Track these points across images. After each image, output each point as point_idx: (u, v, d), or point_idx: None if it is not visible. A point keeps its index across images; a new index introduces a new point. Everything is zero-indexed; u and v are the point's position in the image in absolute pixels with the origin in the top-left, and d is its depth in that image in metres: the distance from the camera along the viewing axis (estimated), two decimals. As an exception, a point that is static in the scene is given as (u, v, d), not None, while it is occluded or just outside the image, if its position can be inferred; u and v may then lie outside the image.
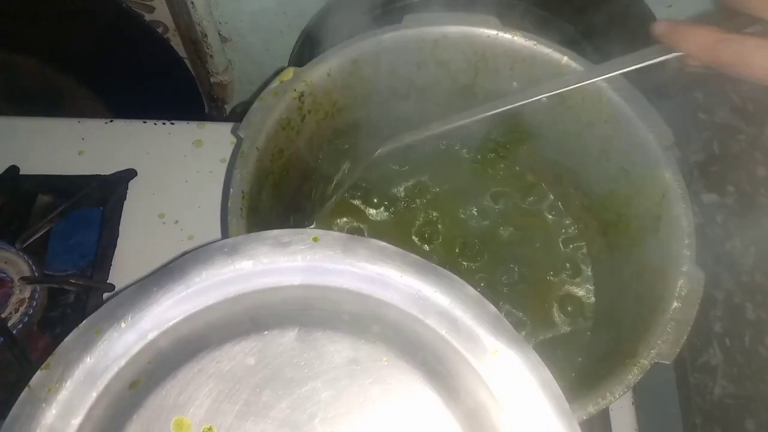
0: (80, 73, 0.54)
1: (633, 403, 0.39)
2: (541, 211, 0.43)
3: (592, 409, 0.27)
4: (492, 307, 0.22)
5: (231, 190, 0.32)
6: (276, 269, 0.24)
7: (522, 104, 0.33)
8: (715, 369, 0.45)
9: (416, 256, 0.24)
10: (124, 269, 0.42)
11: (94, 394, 0.22)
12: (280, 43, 0.59)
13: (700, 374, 0.46)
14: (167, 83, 0.59)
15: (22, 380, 0.22)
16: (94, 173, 0.45)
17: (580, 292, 0.40)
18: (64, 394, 0.22)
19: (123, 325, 0.23)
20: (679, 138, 0.34)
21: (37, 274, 0.40)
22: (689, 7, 0.50)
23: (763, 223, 0.48)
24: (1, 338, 0.37)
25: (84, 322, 0.24)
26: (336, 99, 0.38)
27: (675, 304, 0.30)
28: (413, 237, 0.42)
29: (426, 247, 0.42)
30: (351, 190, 0.42)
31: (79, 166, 0.45)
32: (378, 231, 0.42)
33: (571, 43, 0.37)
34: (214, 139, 0.47)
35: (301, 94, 0.35)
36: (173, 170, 0.46)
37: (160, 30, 0.58)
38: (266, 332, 0.23)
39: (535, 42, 0.36)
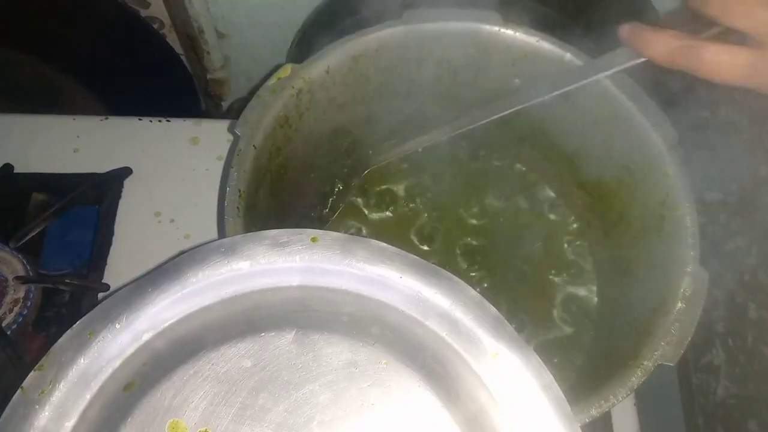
0: (75, 70, 0.54)
1: (635, 404, 0.39)
2: (543, 210, 0.43)
3: (594, 412, 0.26)
4: (493, 309, 0.22)
5: (227, 188, 0.31)
6: (274, 270, 0.24)
7: (515, 110, 0.33)
8: (718, 369, 0.45)
9: (416, 257, 0.23)
10: (119, 268, 0.42)
11: (88, 396, 0.22)
12: (277, 38, 0.58)
13: (703, 375, 0.46)
14: (163, 80, 0.59)
15: (17, 381, 0.22)
16: (90, 171, 0.45)
17: (582, 293, 0.40)
18: (57, 395, 0.22)
19: (117, 326, 0.23)
20: (681, 135, 0.34)
21: (31, 274, 0.40)
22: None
23: (765, 222, 0.48)
24: (-5, 338, 0.37)
25: (78, 322, 0.23)
26: (335, 96, 0.37)
27: (679, 305, 0.29)
28: (413, 236, 0.41)
29: (426, 246, 0.41)
30: (353, 188, 0.42)
31: (74, 164, 0.45)
32: (378, 230, 0.42)
33: (571, 37, 0.37)
34: (211, 137, 0.47)
35: (299, 92, 0.35)
36: (169, 168, 0.46)
37: (155, 26, 0.57)
38: (263, 334, 0.22)
39: (537, 38, 0.36)
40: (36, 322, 0.40)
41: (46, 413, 0.21)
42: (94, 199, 0.44)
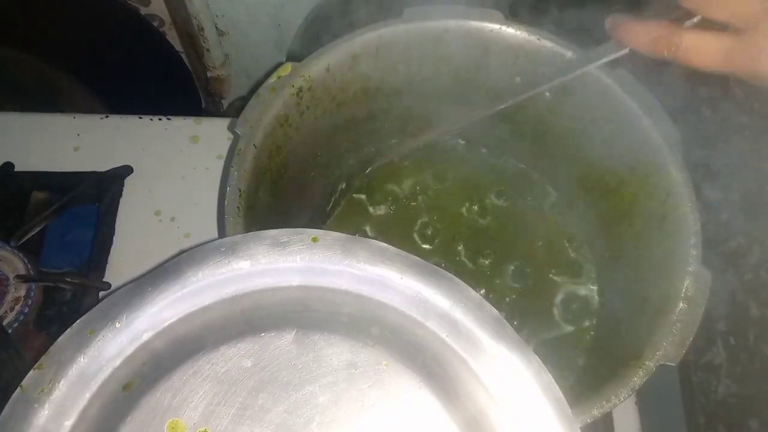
0: (74, 68, 0.54)
1: (636, 403, 0.38)
2: (544, 208, 0.43)
3: (596, 412, 0.26)
4: (494, 310, 0.22)
5: (227, 188, 0.31)
6: (274, 270, 0.24)
7: (509, 104, 0.34)
8: (719, 368, 0.45)
9: (417, 258, 0.23)
10: (120, 267, 0.42)
11: (88, 395, 0.22)
12: (278, 36, 0.58)
13: (704, 373, 0.46)
14: (163, 78, 0.59)
15: (17, 380, 0.22)
16: (90, 170, 0.45)
17: (583, 292, 0.40)
18: (56, 394, 0.22)
19: (117, 325, 0.23)
20: (683, 134, 0.34)
21: (32, 272, 0.40)
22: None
23: (767, 220, 0.48)
24: (-4, 337, 0.37)
25: (77, 321, 0.23)
26: (335, 94, 0.37)
27: (681, 304, 0.29)
28: (414, 235, 0.41)
29: (427, 245, 0.41)
30: (354, 187, 0.42)
31: (74, 163, 0.45)
32: (379, 228, 0.41)
33: (570, 33, 0.37)
34: (211, 135, 0.47)
35: (300, 90, 0.35)
36: (169, 167, 0.45)
37: (155, 23, 0.57)
38: (263, 334, 0.22)
39: (538, 36, 0.36)
40: (37, 321, 0.40)
41: (46, 412, 0.21)
42: (94, 197, 0.44)
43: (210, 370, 0.22)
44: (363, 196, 0.42)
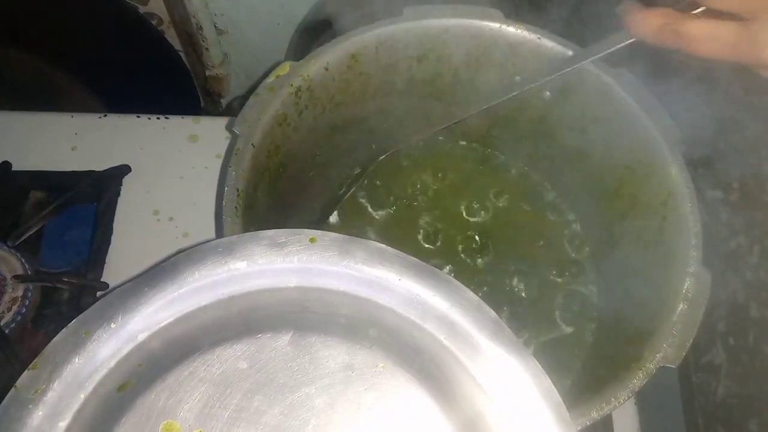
0: (72, 67, 0.54)
1: (635, 404, 0.38)
2: (545, 208, 0.42)
3: (595, 414, 0.26)
4: (492, 313, 0.22)
5: (225, 188, 0.31)
6: (271, 270, 0.24)
7: (507, 97, 0.34)
8: (719, 368, 0.45)
9: (415, 259, 0.23)
10: (118, 267, 0.42)
11: (82, 396, 0.22)
12: (277, 35, 0.58)
13: (704, 374, 0.45)
14: (162, 77, 0.59)
15: (14, 380, 0.22)
16: (88, 169, 0.44)
17: (583, 293, 0.39)
18: (51, 395, 0.22)
19: (113, 325, 0.23)
20: (683, 134, 0.34)
21: (30, 272, 0.40)
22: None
23: (767, 220, 0.47)
24: (-7, 337, 0.37)
25: (73, 322, 0.23)
26: (334, 94, 0.37)
27: (681, 306, 0.29)
28: (414, 234, 0.41)
29: (427, 245, 0.41)
30: (353, 187, 0.42)
31: (72, 162, 0.45)
32: (379, 228, 0.41)
33: (569, 29, 0.36)
34: (210, 134, 0.47)
35: (298, 89, 0.35)
36: (168, 166, 0.45)
37: (154, 22, 0.57)
38: (260, 335, 0.22)
39: (538, 35, 0.35)
40: (35, 320, 0.40)
41: (40, 413, 0.21)
42: (92, 196, 0.44)
43: (206, 371, 0.22)
44: (363, 196, 0.42)
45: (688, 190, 0.32)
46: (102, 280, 0.41)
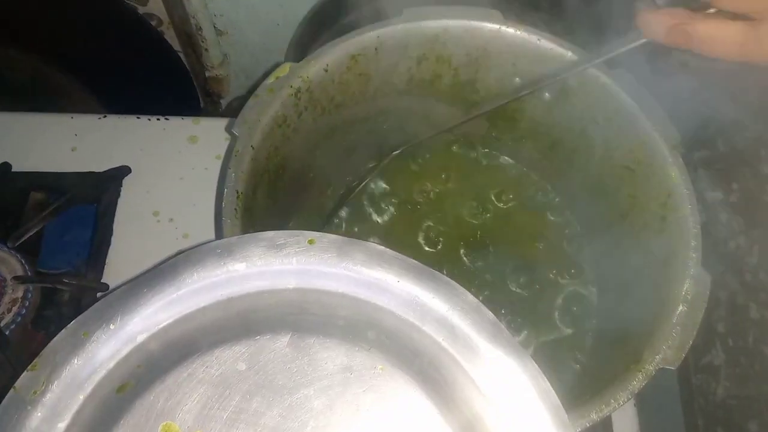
0: (72, 68, 0.54)
1: (635, 405, 0.38)
2: (545, 210, 0.42)
3: (595, 416, 0.26)
4: (490, 314, 0.22)
5: (225, 190, 0.31)
6: (270, 272, 0.24)
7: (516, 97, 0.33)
8: (718, 370, 0.45)
9: (414, 261, 0.23)
10: (118, 268, 0.42)
11: (81, 398, 0.22)
12: (276, 36, 0.58)
13: (703, 375, 0.45)
14: (161, 77, 0.59)
15: (14, 381, 0.22)
16: (88, 170, 0.44)
17: (583, 294, 0.39)
18: (50, 396, 0.22)
19: (112, 326, 0.23)
20: (683, 135, 0.34)
21: (29, 273, 0.40)
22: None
23: (767, 221, 0.47)
24: (-7, 338, 0.37)
25: (72, 323, 0.23)
26: (333, 95, 0.37)
27: (681, 308, 0.29)
28: (414, 236, 0.41)
29: (428, 246, 0.41)
30: (353, 188, 0.42)
31: (72, 163, 0.45)
32: (378, 230, 0.41)
33: (568, 32, 0.36)
34: (210, 135, 0.47)
35: (298, 91, 0.35)
36: (168, 167, 0.45)
37: (153, 23, 0.57)
38: (258, 337, 0.22)
39: (538, 37, 0.35)
40: (35, 321, 0.40)
41: (39, 414, 0.21)
42: (92, 198, 0.44)
43: (204, 372, 0.22)
44: (363, 197, 0.42)
45: (687, 192, 0.32)
46: (102, 281, 0.41)
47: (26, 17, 0.51)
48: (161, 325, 0.23)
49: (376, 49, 0.36)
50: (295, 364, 0.21)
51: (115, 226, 0.43)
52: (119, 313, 0.23)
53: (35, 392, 0.21)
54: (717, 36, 0.25)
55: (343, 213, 0.41)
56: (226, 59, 0.62)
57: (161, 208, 0.44)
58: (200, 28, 0.56)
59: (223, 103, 0.66)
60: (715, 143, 0.50)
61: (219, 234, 0.30)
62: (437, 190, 0.42)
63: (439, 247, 0.41)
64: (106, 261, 0.42)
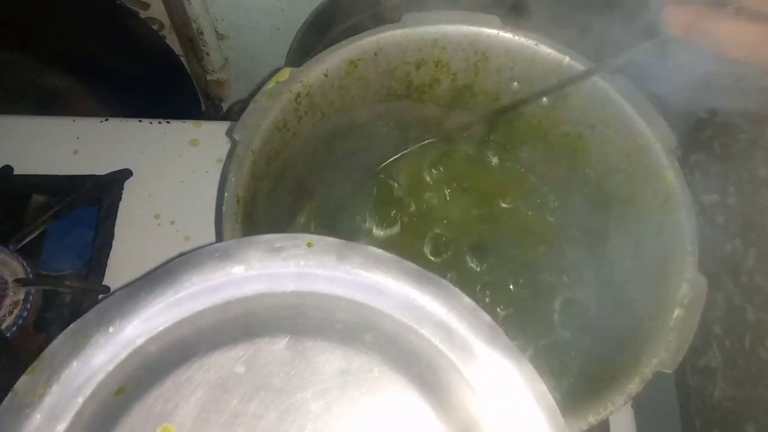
0: (74, 71, 0.54)
1: (632, 406, 0.38)
2: (543, 213, 0.42)
3: (592, 419, 0.26)
4: (487, 317, 0.22)
5: (225, 194, 0.31)
6: (268, 275, 0.24)
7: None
8: (715, 372, 0.45)
9: (412, 264, 0.23)
10: (119, 270, 0.42)
11: (80, 400, 0.22)
12: (277, 40, 0.58)
13: (700, 377, 0.45)
14: (163, 81, 0.59)
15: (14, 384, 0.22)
16: (89, 173, 0.45)
17: (581, 297, 0.40)
18: (49, 399, 0.22)
19: (111, 330, 0.23)
20: (679, 138, 0.34)
21: (31, 276, 0.40)
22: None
23: (764, 224, 0.48)
24: (-6, 340, 0.37)
25: (71, 326, 0.23)
26: (333, 100, 0.37)
27: (677, 311, 0.29)
28: (420, 246, 0.41)
29: (428, 248, 0.41)
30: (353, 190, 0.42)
31: (73, 166, 0.45)
32: (382, 231, 0.41)
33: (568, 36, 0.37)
34: (211, 139, 0.47)
35: (298, 95, 0.35)
36: (169, 170, 0.46)
37: (155, 27, 0.57)
38: (256, 340, 0.22)
39: (536, 42, 0.36)
40: (37, 323, 0.40)
41: (38, 417, 0.21)
42: (94, 200, 0.44)
43: (203, 375, 0.22)
44: (362, 202, 0.42)
45: (684, 195, 0.32)
46: (103, 283, 0.41)
47: (28, 21, 0.51)
48: (160, 328, 0.23)
49: (375, 54, 0.36)
50: (293, 367, 0.22)
51: (116, 229, 0.43)
52: (118, 316, 0.23)
53: (34, 395, 0.22)
54: (734, 37, 0.25)
55: (342, 214, 0.41)
56: (227, 63, 0.62)
57: (162, 210, 0.44)
58: (201, 32, 0.56)
59: (224, 106, 0.67)
60: (712, 146, 0.50)
61: (219, 239, 0.30)
62: (435, 195, 0.43)
63: (441, 251, 0.41)
64: (108, 263, 0.42)
